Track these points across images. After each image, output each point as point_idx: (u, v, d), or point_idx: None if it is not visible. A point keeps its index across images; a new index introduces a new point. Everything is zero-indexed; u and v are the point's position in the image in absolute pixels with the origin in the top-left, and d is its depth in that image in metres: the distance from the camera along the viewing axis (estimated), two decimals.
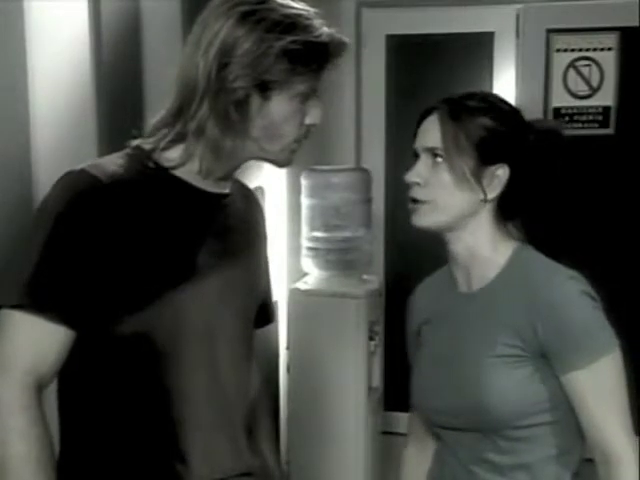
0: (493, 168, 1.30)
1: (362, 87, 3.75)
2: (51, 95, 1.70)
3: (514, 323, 1.27)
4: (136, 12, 2.06)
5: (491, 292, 1.33)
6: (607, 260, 3.39)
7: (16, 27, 1.65)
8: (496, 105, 1.34)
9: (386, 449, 3.27)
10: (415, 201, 1.34)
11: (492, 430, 1.30)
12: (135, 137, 1.25)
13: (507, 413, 1.27)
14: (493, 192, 1.31)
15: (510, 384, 1.27)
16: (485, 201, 1.31)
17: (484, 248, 1.34)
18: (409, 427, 1.57)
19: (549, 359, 1.26)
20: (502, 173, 1.31)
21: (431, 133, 1.32)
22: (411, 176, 1.33)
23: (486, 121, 1.30)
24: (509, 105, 1.37)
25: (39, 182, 1.68)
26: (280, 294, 2.83)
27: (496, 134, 1.30)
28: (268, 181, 2.72)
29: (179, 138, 1.20)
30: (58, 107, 1.70)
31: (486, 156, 1.30)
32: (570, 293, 1.26)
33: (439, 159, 1.30)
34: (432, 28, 3.67)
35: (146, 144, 1.22)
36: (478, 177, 1.30)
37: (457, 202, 1.31)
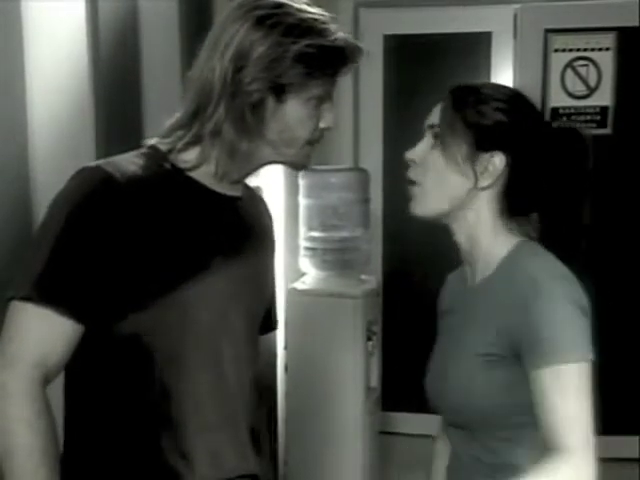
0: (488, 155, 1.29)
1: (360, 87, 3.75)
2: (49, 95, 1.70)
3: (498, 321, 1.25)
4: (134, 11, 2.06)
5: (488, 287, 1.32)
6: (604, 259, 3.39)
7: (14, 27, 1.65)
8: (503, 95, 1.32)
9: (384, 449, 3.27)
10: (410, 183, 1.34)
11: (476, 429, 1.29)
12: (142, 137, 1.26)
13: (485, 413, 1.26)
14: (486, 180, 1.29)
15: (488, 384, 1.25)
16: (478, 189, 1.30)
17: (485, 241, 1.33)
18: (440, 420, 1.55)
19: (521, 357, 1.22)
20: (498, 162, 1.29)
21: (435, 112, 1.34)
22: (409, 153, 1.34)
23: (487, 108, 1.29)
24: (521, 98, 1.34)
25: (37, 181, 1.68)
26: (278, 294, 2.83)
27: (495, 121, 1.29)
28: (266, 181, 2.72)
29: (195, 140, 1.20)
30: (56, 107, 1.70)
31: (481, 142, 1.29)
32: (551, 294, 1.21)
33: (438, 139, 1.31)
34: (430, 28, 3.67)
35: (162, 144, 1.23)
36: (472, 162, 1.28)
37: (448, 186, 1.30)
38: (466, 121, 1.29)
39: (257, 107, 1.16)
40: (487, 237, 1.33)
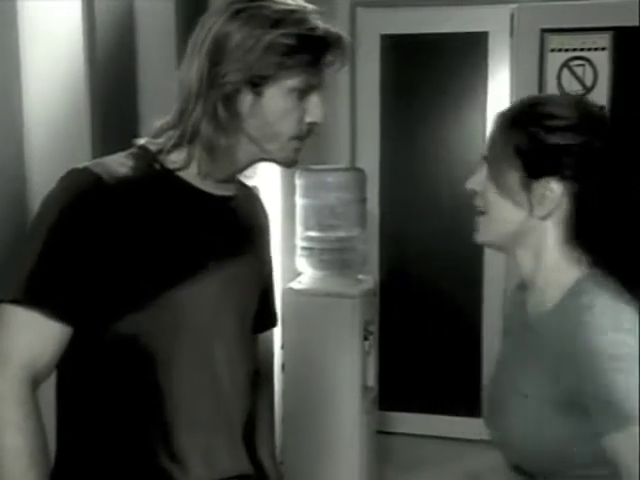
0: (544, 181, 1.17)
1: (357, 87, 3.75)
2: (45, 94, 1.69)
3: (561, 370, 1.15)
4: (130, 11, 2.06)
5: (547, 326, 1.20)
6: None
7: (10, 26, 1.65)
8: (562, 112, 1.19)
9: (381, 449, 3.27)
10: (477, 212, 1.26)
11: (537, 475, 1.21)
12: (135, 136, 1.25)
13: (546, 462, 1.18)
14: (543, 209, 1.18)
15: (552, 433, 1.16)
16: (538, 218, 1.19)
17: (547, 270, 1.22)
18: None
19: (591, 417, 1.13)
20: (555, 188, 1.17)
21: (488, 140, 1.25)
22: (468, 183, 1.27)
23: (537, 129, 1.17)
24: (585, 114, 1.20)
25: (33, 181, 1.68)
26: (275, 294, 2.83)
27: (546, 145, 1.17)
28: (262, 180, 2.72)
29: (181, 141, 1.20)
30: (52, 106, 1.70)
31: (532, 168, 1.18)
32: (613, 352, 1.09)
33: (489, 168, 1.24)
34: (427, 28, 3.67)
35: (152, 145, 1.22)
36: (526, 191, 1.18)
37: (507, 216, 1.21)
38: (514, 146, 1.18)
39: (231, 101, 1.15)
40: (550, 267, 1.22)
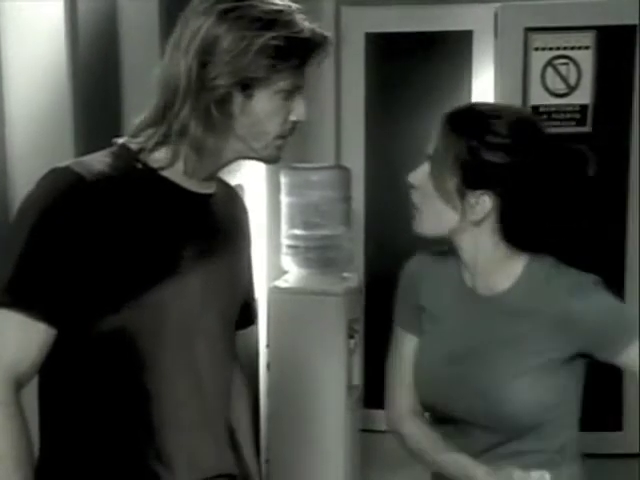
0: (478, 193, 1.26)
1: (342, 85, 3.75)
2: (27, 92, 1.68)
3: (544, 332, 1.27)
4: (113, 10, 2.05)
5: (513, 299, 1.31)
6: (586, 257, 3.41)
7: None
8: (502, 127, 1.25)
9: (366, 446, 3.27)
10: (413, 205, 1.33)
11: (508, 432, 1.30)
12: (121, 135, 1.25)
13: (528, 421, 1.28)
14: (474, 216, 1.27)
15: (534, 395, 1.27)
16: (470, 223, 1.28)
17: (490, 261, 1.31)
18: (405, 401, 1.53)
19: (593, 355, 1.29)
20: (487, 200, 1.26)
21: (433, 141, 1.30)
22: (410, 177, 1.33)
23: (478, 144, 1.24)
24: (523, 129, 1.27)
25: (15, 180, 1.67)
26: (260, 292, 2.83)
27: (484, 161, 1.24)
28: (247, 179, 2.72)
29: (164, 139, 1.19)
30: (34, 104, 1.69)
31: (469, 180, 1.25)
32: (597, 291, 1.30)
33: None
34: (411, 26, 3.68)
35: (132, 144, 1.21)
36: (460, 197, 1.26)
37: (439, 215, 1.29)
38: (455, 155, 1.25)
39: (223, 103, 1.15)
40: (491, 260, 1.31)
